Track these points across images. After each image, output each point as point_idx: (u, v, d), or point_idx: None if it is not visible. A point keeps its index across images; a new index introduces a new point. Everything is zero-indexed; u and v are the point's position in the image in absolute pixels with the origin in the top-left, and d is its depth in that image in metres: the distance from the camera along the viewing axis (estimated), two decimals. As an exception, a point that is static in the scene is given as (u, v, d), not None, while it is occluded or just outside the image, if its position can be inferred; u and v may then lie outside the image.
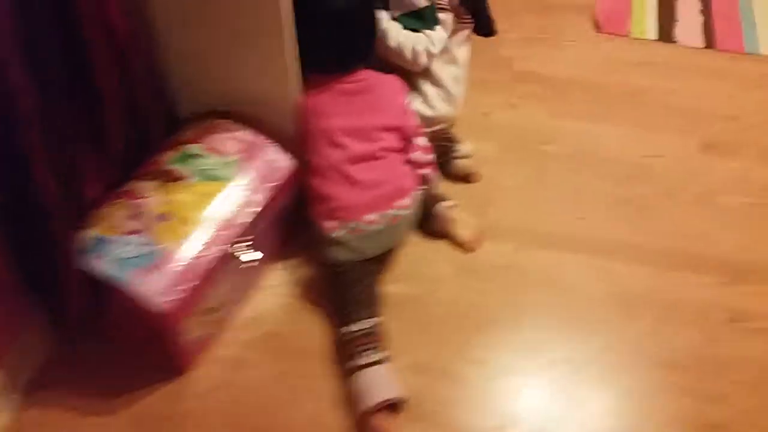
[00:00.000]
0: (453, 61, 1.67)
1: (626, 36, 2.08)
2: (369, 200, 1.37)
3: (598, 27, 2.10)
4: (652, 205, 1.62)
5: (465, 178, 1.66)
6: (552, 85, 1.92)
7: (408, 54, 1.54)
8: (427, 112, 1.62)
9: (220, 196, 1.30)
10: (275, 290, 1.46)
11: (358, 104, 1.40)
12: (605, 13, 2.14)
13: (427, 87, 1.64)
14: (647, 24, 2.12)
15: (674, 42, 2.07)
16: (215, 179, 1.32)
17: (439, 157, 1.59)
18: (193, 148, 1.37)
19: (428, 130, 1.60)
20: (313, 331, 1.39)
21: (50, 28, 1.02)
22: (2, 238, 1.13)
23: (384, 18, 1.53)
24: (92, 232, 1.21)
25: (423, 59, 1.56)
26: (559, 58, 2.02)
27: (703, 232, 1.55)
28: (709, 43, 2.06)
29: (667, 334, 1.37)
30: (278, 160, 1.39)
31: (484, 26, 1.72)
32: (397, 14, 1.56)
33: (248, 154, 1.37)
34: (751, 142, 1.76)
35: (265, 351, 1.36)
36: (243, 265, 1.32)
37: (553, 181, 1.67)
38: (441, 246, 1.54)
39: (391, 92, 1.45)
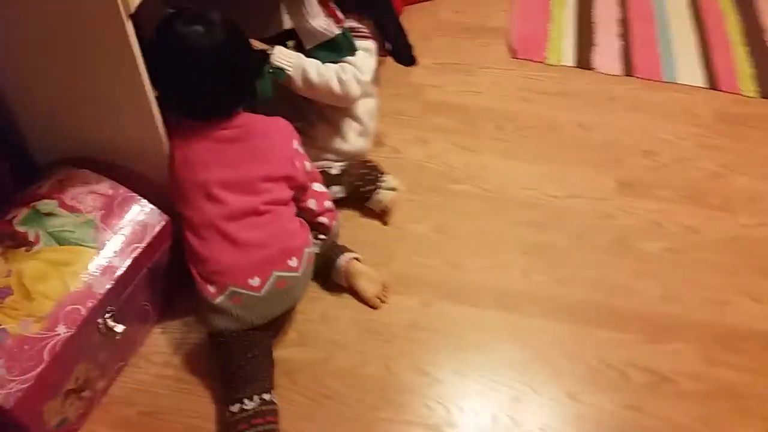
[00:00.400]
0: (369, 93, 1.54)
1: (543, 62, 1.99)
2: (252, 262, 1.20)
3: (513, 52, 1.99)
4: (568, 252, 1.51)
5: (381, 214, 1.55)
6: (465, 116, 1.81)
7: (336, 87, 1.40)
8: (343, 146, 1.51)
9: (74, 262, 1.12)
10: (154, 361, 1.30)
11: (237, 153, 1.22)
12: (521, 38, 2.04)
13: (342, 120, 1.51)
14: (564, 49, 2.03)
15: (592, 69, 1.99)
16: (68, 243, 1.14)
17: (363, 189, 1.51)
18: (47, 205, 1.18)
19: (342, 164, 1.51)
20: (197, 410, 1.23)
21: None
22: None
23: (289, 55, 1.39)
24: None
25: (354, 88, 1.42)
26: (472, 85, 1.91)
27: (621, 282, 1.46)
28: (628, 70, 1.98)
29: (585, 397, 1.27)
30: (145, 216, 1.22)
31: (404, 54, 1.59)
32: (309, 47, 1.41)
33: (108, 210, 1.19)
34: (669, 180, 1.69)
35: (138, 434, 1.18)
36: (108, 337, 1.15)
37: (463, 226, 1.55)
38: (344, 301, 1.40)
39: (276, 137, 1.27)
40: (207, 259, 1.20)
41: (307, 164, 1.33)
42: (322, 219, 1.37)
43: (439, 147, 1.73)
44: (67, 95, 1.18)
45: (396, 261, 1.48)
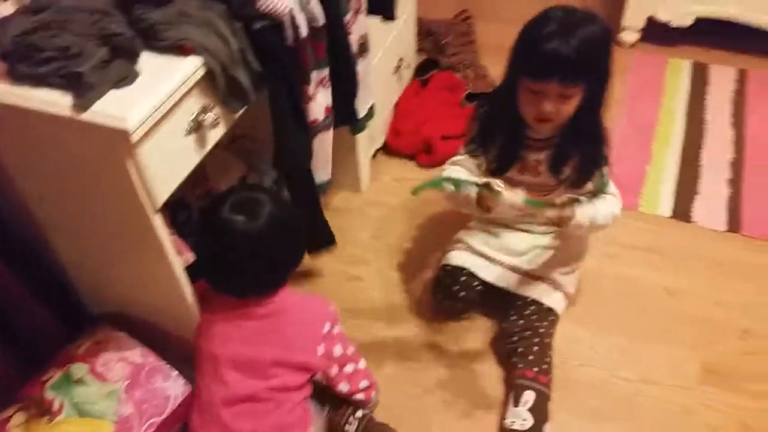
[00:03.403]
0: None
1: (635, 209, 1.82)
2: None
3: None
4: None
5: None
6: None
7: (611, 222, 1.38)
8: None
9: (90, 436, 1.14)
10: None
11: (259, 331, 1.19)
12: (615, 179, 1.88)
13: None
14: (662, 196, 1.85)
15: (691, 222, 1.79)
16: (89, 415, 1.16)
17: None
18: (79, 369, 1.23)
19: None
20: None
21: None
22: None
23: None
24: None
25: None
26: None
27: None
28: (734, 225, 1.76)
29: None
30: (169, 387, 1.22)
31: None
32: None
33: (134, 380, 1.21)
34: (763, 372, 1.46)
35: None
36: None
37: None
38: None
39: (306, 321, 1.23)
40: None
41: (339, 348, 1.26)
42: (358, 396, 1.32)
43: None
44: (111, 269, 1.27)
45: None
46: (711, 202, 1.83)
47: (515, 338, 1.43)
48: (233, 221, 1.12)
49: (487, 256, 1.52)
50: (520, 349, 1.41)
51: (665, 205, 1.83)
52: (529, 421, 1.31)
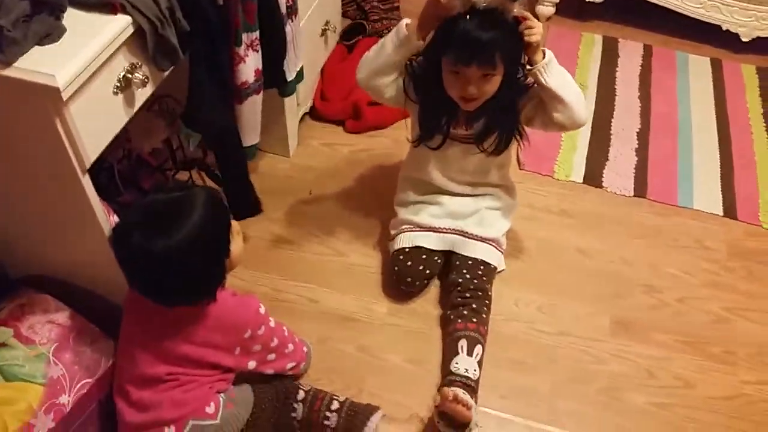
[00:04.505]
0: None
1: (551, 176, 1.92)
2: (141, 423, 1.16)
3: (519, 164, 1.94)
4: (550, 400, 1.44)
5: None
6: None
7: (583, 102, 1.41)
8: None
9: (18, 401, 1.11)
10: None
11: (178, 323, 1.15)
12: (530, 148, 1.97)
13: None
14: (575, 163, 1.96)
15: (602, 187, 1.91)
16: (16, 378, 1.14)
17: None
18: (3, 333, 1.19)
19: None
20: None
21: None
22: None
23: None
24: None
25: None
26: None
27: (599, 439, 1.37)
28: (640, 190, 1.90)
29: None
30: (99, 349, 1.21)
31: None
32: None
33: (63, 343, 1.19)
34: (669, 322, 1.59)
35: None
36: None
37: (439, 358, 1.49)
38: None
39: (226, 325, 1.18)
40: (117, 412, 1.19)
41: (258, 347, 1.23)
42: (286, 374, 1.34)
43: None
44: (36, 230, 1.22)
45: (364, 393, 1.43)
46: (619, 169, 1.95)
47: (468, 295, 1.49)
48: (146, 244, 1.05)
49: (435, 228, 1.58)
50: (474, 306, 1.47)
51: (578, 171, 1.94)
52: (478, 372, 1.39)
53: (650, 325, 1.58)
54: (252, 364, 1.25)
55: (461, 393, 1.30)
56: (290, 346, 1.33)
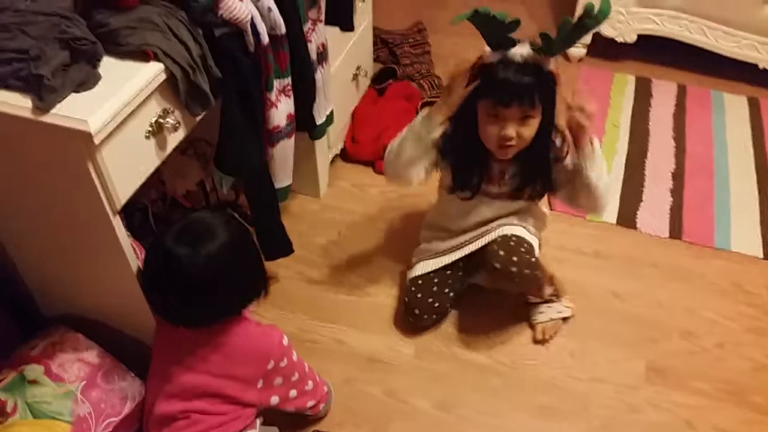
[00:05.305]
0: None
1: (582, 217, 1.90)
2: None
3: (550, 204, 1.92)
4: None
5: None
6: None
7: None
8: None
9: (44, 439, 1.13)
10: None
11: (197, 352, 1.16)
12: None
13: None
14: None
15: (635, 228, 1.87)
16: (44, 415, 1.15)
17: None
18: (33, 371, 1.21)
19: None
20: None
21: None
22: None
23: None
24: None
25: None
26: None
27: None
28: (676, 232, 1.85)
29: None
30: (125, 388, 1.22)
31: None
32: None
33: (91, 381, 1.21)
34: (708, 369, 1.53)
35: None
36: None
37: (470, 403, 1.46)
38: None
39: (249, 355, 1.18)
40: None
41: (280, 380, 1.23)
42: (306, 412, 1.34)
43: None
44: (68, 270, 1.26)
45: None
46: (654, 210, 1.91)
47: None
48: (176, 253, 1.07)
49: (452, 247, 1.55)
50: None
51: (611, 212, 1.91)
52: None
53: (688, 372, 1.53)
54: (275, 400, 1.24)
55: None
56: (310, 383, 1.31)
